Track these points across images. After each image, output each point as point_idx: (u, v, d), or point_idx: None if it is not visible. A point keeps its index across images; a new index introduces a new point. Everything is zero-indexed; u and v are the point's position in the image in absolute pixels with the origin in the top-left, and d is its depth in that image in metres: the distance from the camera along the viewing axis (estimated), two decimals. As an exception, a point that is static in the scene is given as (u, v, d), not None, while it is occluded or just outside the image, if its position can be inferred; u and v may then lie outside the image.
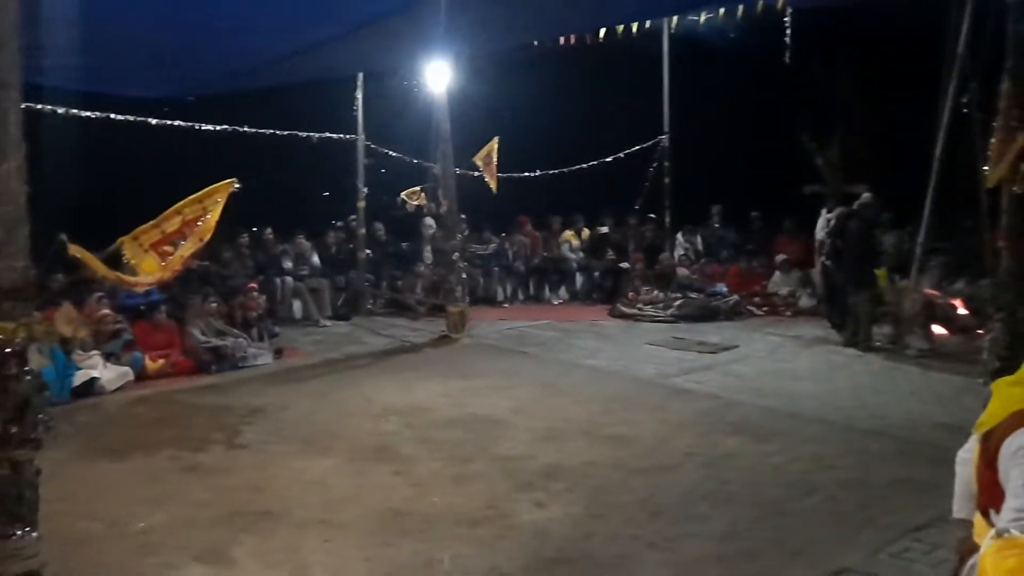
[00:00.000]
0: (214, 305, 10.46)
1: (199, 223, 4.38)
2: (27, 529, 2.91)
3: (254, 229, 13.30)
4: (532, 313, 13.80)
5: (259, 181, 5.02)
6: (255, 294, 11.15)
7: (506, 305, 14.66)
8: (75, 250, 3.53)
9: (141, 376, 9.30)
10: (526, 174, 14.85)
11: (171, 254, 4.24)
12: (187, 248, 4.25)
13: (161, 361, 9.56)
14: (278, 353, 10.60)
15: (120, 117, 10.50)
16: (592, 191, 15.65)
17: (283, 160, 13.68)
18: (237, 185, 4.60)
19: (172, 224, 4.25)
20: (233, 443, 7.24)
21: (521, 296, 15.20)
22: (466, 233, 13.93)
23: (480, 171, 13.35)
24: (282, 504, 5.81)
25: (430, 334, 11.79)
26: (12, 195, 2.85)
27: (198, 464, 6.72)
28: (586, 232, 16.03)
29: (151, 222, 4.20)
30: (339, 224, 14.47)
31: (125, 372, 9.11)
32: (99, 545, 5.15)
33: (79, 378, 8.57)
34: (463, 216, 13.17)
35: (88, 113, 10.16)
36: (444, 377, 9.35)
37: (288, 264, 13.05)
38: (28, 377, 2.85)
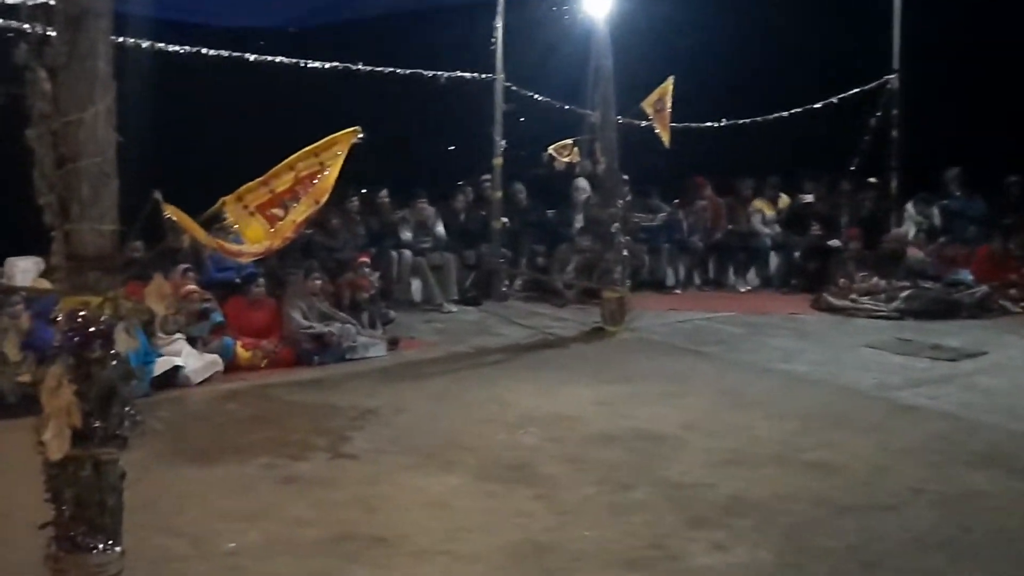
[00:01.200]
0: (318, 283, 10.77)
1: (315, 181, 4.51)
2: (110, 543, 3.11)
3: (364, 191, 13.57)
4: (711, 302, 13.68)
5: (374, 131, 5.12)
6: (367, 270, 11.46)
7: (678, 291, 14.61)
8: (171, 211, 3.68)
9: (231, 366, 9.78)
10: (709, 124, 14.65)
11: (281, 218, 4.38)
12: (300, 211, 4.38)
13: (256, 349, 10.00)
14: (393, 343, 10.89)
15: (213, 52, 10.89)
16: (793, 147, 15.31)
17: (403, 106, 13.93)
18: (361, 135, 4.70)
19: (283, 182, 4.38)
20: (339, 451, 7.48)
21: (698, 280, 15.12)
22: (629, 199, 13.85)
23: (649, 120, 13.22)
24: (398, 528, 5.97)
25: (580, 325, 11.86)
26: (100, 145, 3.04)
27: (298, 475, 6.98)
28: (784, 200, 15.71)
29: (258, 179, 4.34)
30: (470, 186, 14.65)
31: (213, 361, 9.58)
32: (181, 567, 5.40)
33: (160, 366, 9.04)
34: (625, 177, 13.07)
35: (176, 47, 10.58)
36: (597, 380, 9.38)
37: (407, 235, 13.32)
38: (114, 362, 3.04)
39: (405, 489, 6.65)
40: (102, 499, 3.11)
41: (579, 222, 14.36)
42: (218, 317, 10.07)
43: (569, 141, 14.07)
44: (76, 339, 3.02)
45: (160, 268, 9.05)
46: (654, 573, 5.36)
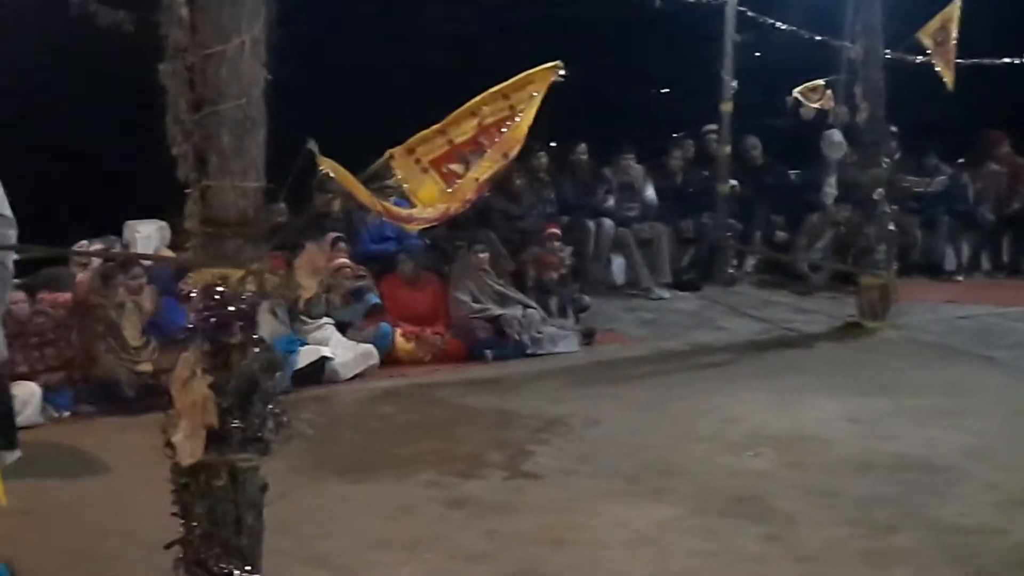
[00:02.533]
0: (485, 255, 10.93)
1: (503, 130, 4.54)
2: (247, 569, 3.24)
3: (552, 144, 13.61)
4: (1004, 293, 13.31)
5: (568, 70, 5.11)
6: (557, 244, 11.52)
7: (959, 278, 14.30)
8: (327, 165, 3.76)
9: (389, 359, 10.05)
10: (1008, 61, 14.11)
11: (460, 176, 4.41)
12: (484, 167, 4.41)
13: (419, 340, 10.24)
14: (588, 336, 10.99)
15: None
16: None
17: (605, 36, 13.92)
18: (563, 72, 4.71)
19: (464, 131, 4.41)
20: (519, 469, 7.59)
21: (987, 264, 14.73)
22: (898, 157, 13.54)
23: (928, 55, 12.86)
24: (591, 570, 6.02)
25: (830, 319, 11.72)
26: (244, 83, 3.16)
27: (468, 497, 7.11)
28: (1110, 162, 15.08)
29: (434, 127, 4.39)
30: (689, 139, 14.55)
31: (368, 353, 9.85)
32: (329, 604, 5.61)
33: (305, 357, 9.34)
34: (894, 130, 12.85)
35: None
36: (850, 390, 9.23)
37: (609, 200, 13.31)
38: (257, 349, 3.16)
39: (601, 520, 6.69)
40: (239, 515, 3.24)
41: (831, 187, 14.09)
42: (374, 299, 10.32)
43: (820, 82, 13.84)
44: (213, 320, 3.15)
45: (309, 237, 9.40)
46: (922, 644, 5.26)
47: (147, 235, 10.45)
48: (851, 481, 7.26)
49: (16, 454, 7.42)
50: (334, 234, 10.32)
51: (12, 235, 7.43)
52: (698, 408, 8.87)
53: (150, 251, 10.10)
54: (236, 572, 3.24)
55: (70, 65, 9.88)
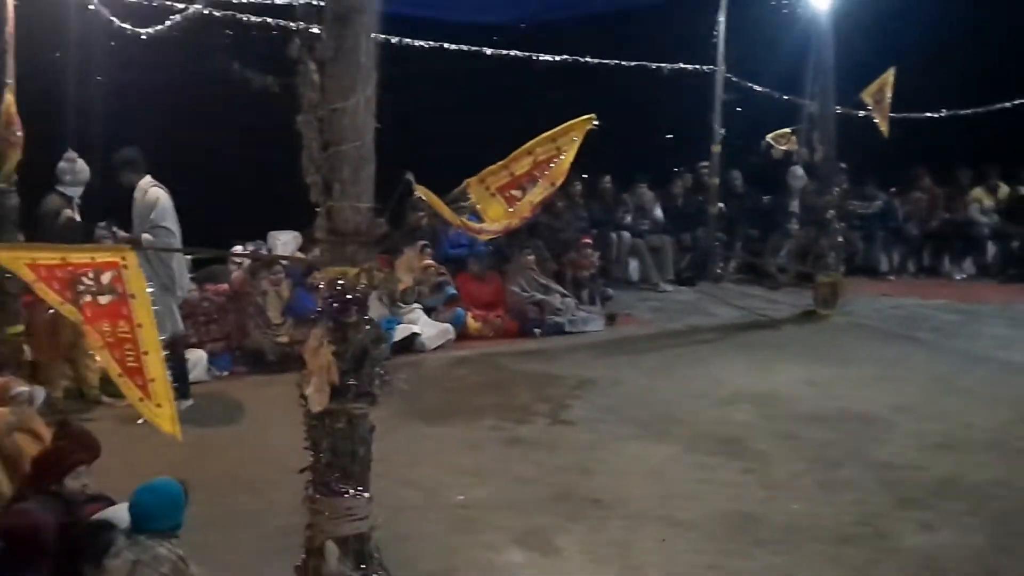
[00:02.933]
0: (531, 257, 10.98)
1: (551, 164, 4.58)
2: (359, 489, 3.27)
3: (586, 176, 13.52)
4: (925, 289, 13.10)
5: (597, 120, 5.15)
6: (588, 250, 11.54)
7: (891, 278, 14.05)
8: (421, 191, 3.84)
9: (462, 335, 10.09)
10: (928, 115, 13.93)
11: (519, 199, 4.47)
12: (537, 193, 4.47)
13: (485, 321, 10.27)
14: (611, 319, 10.99)
15: (453, 47, 11.14)
16: (1013, 138, 14.37)
17: (624, 95, 13.88)
18: (596, 122, 4.75)
19: (522, 165, 4.48)
20: (559, 417, 7.61)
21: (912, 267, 14.50)
22: (845, 187, 13.36)
23: (868, 110, 12.70)
24: (613, 492, 6.03)
25: (793, 308, 11.62)
26: (359, 130, 3.19)
27: (521, 437, 7.14)
28: (1004, 190, 14.80)
29: (499, 163, 4.47)
30: (688, 172, 14.45)
31: (446, 330, 9.91)
32: (417, 515, 5.64)
33: (400, 333, 9.39)
34: (842, 166, 12.69)
35: (422, 42, 10.87)
36: (809, 361, 9.19)
37: (627, 218, 13.30)
38: (368, 327, 3.19)
39: (621, 456, 6.70)
40: (354, 449, 3.26)
41: (794, 208, 13.98)
42: (451, 290, 10.42)
43: (787, 130, 13.71)
44: (335, 305, 3.17)
45: (405, 244, 9.47)
46: (864, 549, 5.23)
47: (285, 242, 10.54)
48: (809, 429, 7.25)
49: (189, 402, 7.55)
50: (422, 242, 10.39)
51: (175, 242, 7.58)
52: (694, 373, 8.86)
53: (287, 254, 10.19)
54: (350, 491, 3.27)
55: (234, 115, 9.98)
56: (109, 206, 8.46)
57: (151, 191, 7.55)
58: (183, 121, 10.47)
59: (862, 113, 12.78)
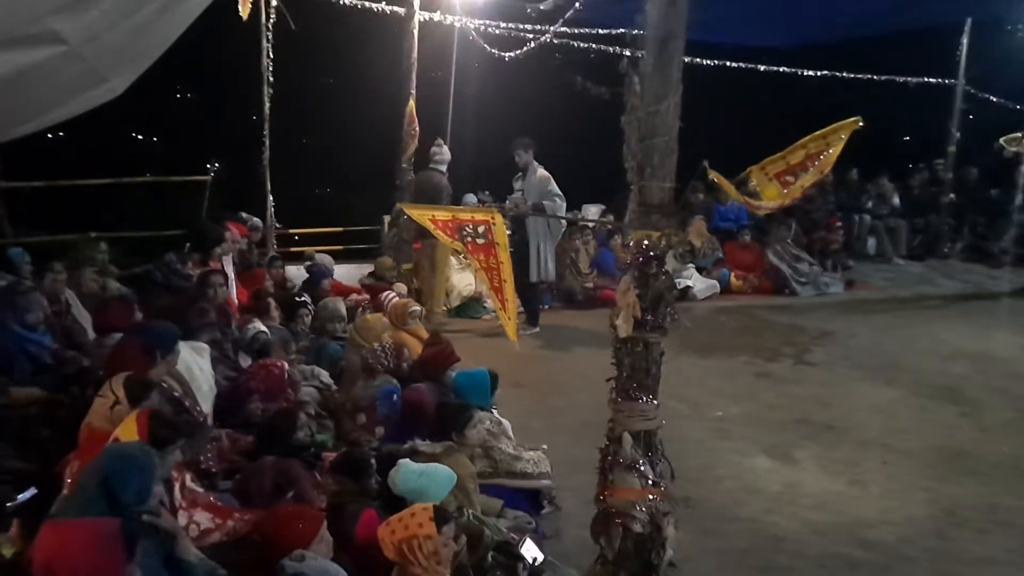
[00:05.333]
0: (787, 233, 10.45)
1: (821, 157, 4.45)
2: (650, 396, 3.32)
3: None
4: None
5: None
6: (836, 228, 10.95)
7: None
8: (713, 175, 3.87)
9: (725, 290, 9.86)
10: None
11: (792, 183, 4.38)
12: (807, 179, 4.36)
13: (745, 279, 9.99)
14: (849, 284, 10.41)
15: (760, 68, 11.02)
16: None
17: (871, 106, 12.96)
18: (861, 124, 4.53)
19: (796, 157, 4.39)
20: (802, 359, 7.33)
21: None
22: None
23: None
24: (845, 421, 5.77)
25: (1012, 284, 10.50)
26: (668, 127, 3.19)
27: (769, 372, 6.95)
28: None
29: (778, 154, 4.41)
30: (923, 167, 13.30)
31: (713, 285, 9.74)
32: (684, 423, 5.66)
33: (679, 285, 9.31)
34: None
35: (732, 63, 10.84)
36: (1022, 328, 8.27)
37: (869, 204, 12.43)
38: (664, 277, 3.21)
39: (852, 394, 6.40)
40: (648, 367, 3.30)
41: (1020, 200, 12.50)
42: (719, 254, 10.23)
43: (1019, 134, 12.24)
44: (640, 260, 3.21)
45: (691, 216, 9.44)
46: (1065, 490, 4.71)
47: (593, 213, 10.68)
48: (1021, 384, 6.58)
49: (536, 329, 7.93)
50: (699, 216, 10.27)
51: (564, 205, 7.94)
52: (919, 332, 8.25)
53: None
54: (644, 398, 3.32)
55: (573, 118, 10.33)
56: (474, 179, 8.96)
57: (540, 170, 7.88)
58: (530, 122, 10.81)
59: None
